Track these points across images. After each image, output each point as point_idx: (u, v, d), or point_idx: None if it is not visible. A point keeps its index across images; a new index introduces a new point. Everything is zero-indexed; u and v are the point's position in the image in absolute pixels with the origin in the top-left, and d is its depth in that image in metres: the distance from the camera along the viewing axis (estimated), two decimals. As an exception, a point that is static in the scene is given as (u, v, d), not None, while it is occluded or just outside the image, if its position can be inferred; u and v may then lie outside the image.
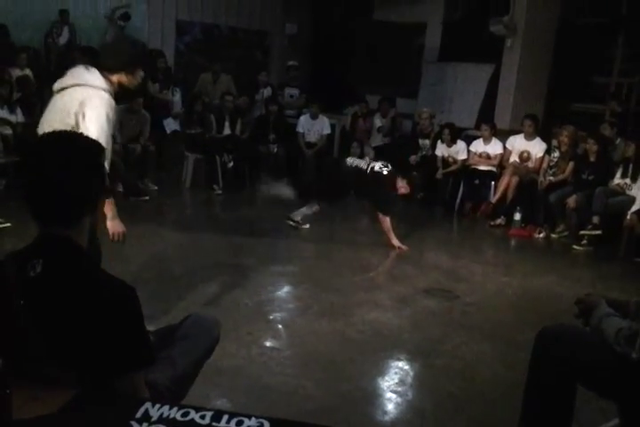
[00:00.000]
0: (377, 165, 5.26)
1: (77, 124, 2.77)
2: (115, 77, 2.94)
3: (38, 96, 6.86)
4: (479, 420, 2.70)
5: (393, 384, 2.99)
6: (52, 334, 1.42)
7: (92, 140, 1.66)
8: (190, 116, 7.66)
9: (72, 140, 1.59)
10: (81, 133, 1.79)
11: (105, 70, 2.91)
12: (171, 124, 7.91)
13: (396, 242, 5.23)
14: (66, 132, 1.63)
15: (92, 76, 2.88)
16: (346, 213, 6.67)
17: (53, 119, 2.84)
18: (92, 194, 1.55)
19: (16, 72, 7.25)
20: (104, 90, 2.86)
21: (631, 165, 5.84)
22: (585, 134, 6.45)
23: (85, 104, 2.77)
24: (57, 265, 1.47)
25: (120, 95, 3.02)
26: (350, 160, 5.46)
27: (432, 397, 2.91)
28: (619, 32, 7.84)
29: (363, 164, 5.34)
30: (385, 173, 5.20)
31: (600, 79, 8.14)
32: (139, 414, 1.31)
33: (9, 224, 5.00)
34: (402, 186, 5.31)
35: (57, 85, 2.95)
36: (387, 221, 5.19)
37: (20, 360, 1.39)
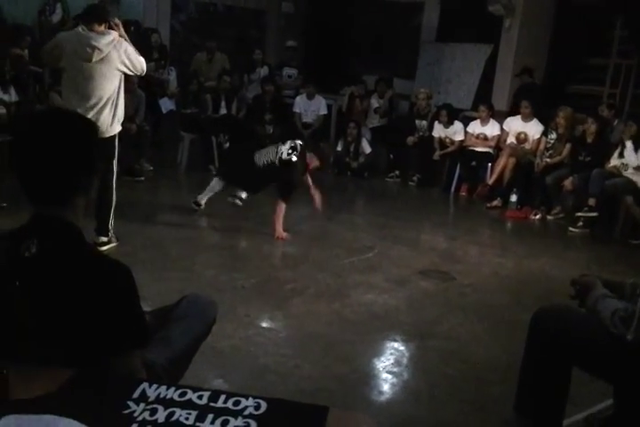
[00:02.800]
0: (285, 152, 4.99)
1: None
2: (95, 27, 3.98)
3: (31, 75, 6.78)
4: (474, 401, 2.73)
5: (389, 365, 3.01)
6: (48, 314, 1.42)
7: (85, 118, 1.64)
8: (186, 95, 7.59)
9: (64, 118, 1.57)
10: (74, 112, 1.76)
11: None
12: (167, 104, 7.84)
13: (280, 231, 4.89)
14: (58, 110, 1.61)
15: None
16: (343, 195, 6.66)
17: None
18: (85, 173, 1.53)
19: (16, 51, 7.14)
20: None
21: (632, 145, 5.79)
22: (584, 116, 6.42)
23: None
24: (52, 245, 1.45)
25: None
26: (258, 158, 5.12)
27: (427, 378, 2.93)
28: (617, 13, 7.76)
29: (271, 155, 5.06)
30: (294, 158, 4.95)
31: (598, 60, 8.09)
32: (136, 395, 1.31)
33: (4, 204, 4.97)
34: (311, 161, 5.10)
35: None
36: (282, 209, 4.88)
37: (17, 341, 1.39)
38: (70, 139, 1.49)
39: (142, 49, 5.31)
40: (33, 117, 1.60)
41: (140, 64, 4.23)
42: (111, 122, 4.22)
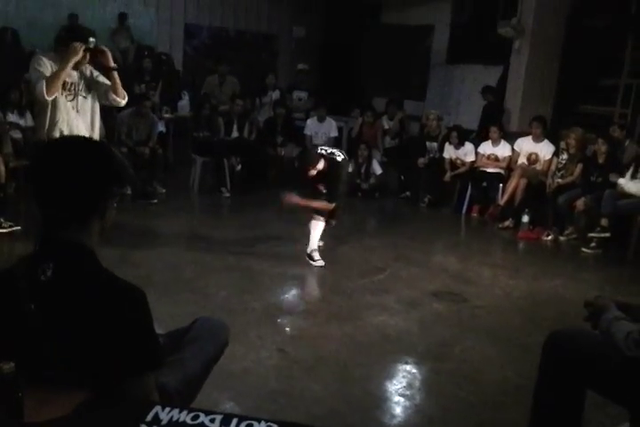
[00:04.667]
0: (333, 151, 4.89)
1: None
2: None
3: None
4: (487, 424, 2.70)
5: (401, 388, 2.99)
6: (63, 337, 1.43)
7: (102, 143, 1.67)
8: (198, 119, 7.69)
9: (82, 143, 1.61)
10: (91, 138, 1.80)
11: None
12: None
13: (293, 199, 4.78)
14: (76, 136, 1.65)
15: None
16: (354, 216, 6.67)
17: None
18: (101, 197, 1.56)
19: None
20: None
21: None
22: (594, 136, 6.43)
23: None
24: (67, 269, 1.48)
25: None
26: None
27: (440, 401, 2.91)
28: (628, 33, 7.81)
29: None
30: (339, 158, 4.82)
31: (609, 81, 8.11)
32: (149, 418, 1.32)
33: (19, 227, 5.03)
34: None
35: None
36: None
37: (32, 364, 1.40)
38: (87, 164, 1.52)
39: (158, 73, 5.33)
40: (50, 143, 1.64)
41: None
42: None
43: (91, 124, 4.26)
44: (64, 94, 4.08)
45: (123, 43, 9.74)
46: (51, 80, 3.93)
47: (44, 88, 3.91)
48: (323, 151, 4.85)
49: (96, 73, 4.22)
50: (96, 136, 4.25)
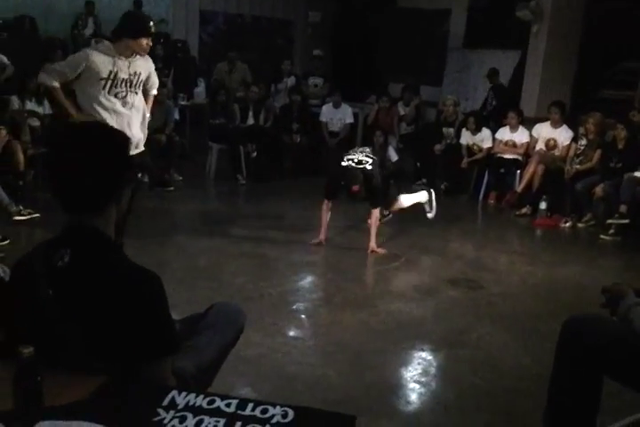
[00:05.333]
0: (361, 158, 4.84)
1: None
2: (122, 42, 3.76)
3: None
4: (503, 411, 2.70)
5: (416, 375, 2.99)
6: (81, 322, 1.45)
7: (116, 130, 1.68)
8: (214, 106, 7.68)
9: (97, 130, 1.62)
10: (106, 124, 1.82)
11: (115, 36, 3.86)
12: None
13: (372, 244, 4.87)
14: (91, 122, 1.66)
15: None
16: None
17: None
18: (117, 182, 1.57)
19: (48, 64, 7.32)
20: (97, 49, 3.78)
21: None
22: (614, 121, 6.33)
23: None
24: (85, 255, 1.49)
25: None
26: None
27: (455, 387, 2.91)
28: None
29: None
30: (369, 167, 4.79)
31: (630, 64, 7.96)
32: (165, 402, 1.33)
33: (38, 215, 5.09)
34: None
35: None
36: (374, 217, 4.91)
37: (50, 348, 1.42)
38: (103, 150, 1.53)
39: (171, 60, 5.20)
40: (66, 130, 1.65)
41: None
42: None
43: (142, 120, 4.03)
44: (115, 92, 3.79)
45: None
46: (57, 97, 3.76)
47: (46, 80, 3.76)
48: (351, 163, 4.76)
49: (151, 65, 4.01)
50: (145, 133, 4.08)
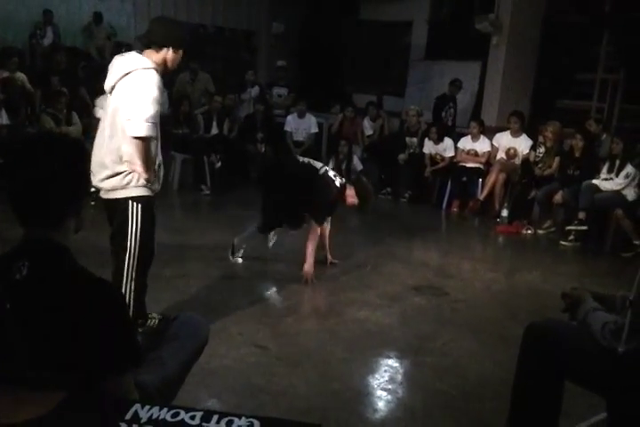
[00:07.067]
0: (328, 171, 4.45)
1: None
2: (161, 53, 2.92)
3: (24, 97, 6.81)
4: (469, 416, 2.72)
5: (383, 382, 3.00)
6: (39, 336, 1.41)
7: (74, 141, 1.65)
8: (177, 116, 7.63)
9: (54, 142, 1.59)
10: (64, 135, 1.78)
11: (153, 43, 2.92)
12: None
13: (308, 267, 4.38)
14: (49, 133, 1.63)
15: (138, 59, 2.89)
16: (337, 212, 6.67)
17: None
18: (74, 195, 1.54)
19: (3, 74, 7.17)
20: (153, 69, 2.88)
21: (617, 162, 5.86)
22: (572, 131, 6.50)
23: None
24: (43, 267, 1.46)
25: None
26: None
27: (422, 394, 2.92)
28: (603, 29, 7.90)
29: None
30: (337, 182, 4.38)
31: (585, 76, 8.21)
32: (128, 416, 1.31)
33: (-5, 227, 4.95)
34: (349, 196, 4.44)
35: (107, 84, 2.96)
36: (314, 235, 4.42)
37: (7, 364, 1.38)
38: (61, 163, 1.50)
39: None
40: (24, 141, 1.62)
41: None
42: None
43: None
44: None
45: (99, 39, 9.61)
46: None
47: (144, 131, 2.84)
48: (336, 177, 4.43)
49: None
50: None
